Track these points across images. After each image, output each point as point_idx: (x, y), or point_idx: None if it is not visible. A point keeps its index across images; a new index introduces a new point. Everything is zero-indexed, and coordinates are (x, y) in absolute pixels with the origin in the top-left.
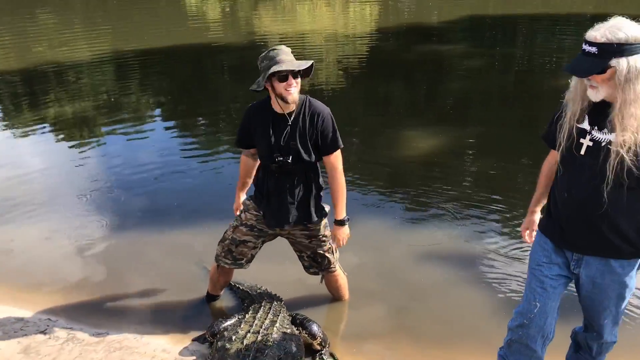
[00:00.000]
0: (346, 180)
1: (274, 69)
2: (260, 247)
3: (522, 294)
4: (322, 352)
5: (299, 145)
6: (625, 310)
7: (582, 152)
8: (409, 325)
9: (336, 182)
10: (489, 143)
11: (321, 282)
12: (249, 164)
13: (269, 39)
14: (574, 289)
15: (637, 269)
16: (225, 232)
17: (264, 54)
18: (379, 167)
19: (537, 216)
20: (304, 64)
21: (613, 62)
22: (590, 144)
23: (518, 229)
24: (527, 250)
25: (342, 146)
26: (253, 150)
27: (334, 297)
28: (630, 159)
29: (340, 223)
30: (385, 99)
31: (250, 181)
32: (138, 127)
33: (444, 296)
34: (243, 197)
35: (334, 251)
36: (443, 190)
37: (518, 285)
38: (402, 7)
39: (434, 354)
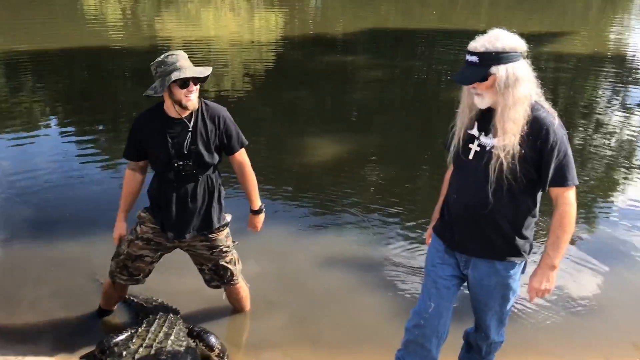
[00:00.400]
0: None
1: (176, 75)
2: (157, 261)
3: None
4: None
5: (202, 149)
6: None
7: (470, 156)
8: (310, 332)
9: (247, 176)
10: (390, 150)
11: (224, 297)
12: (136, 180)
13: (171, 43)
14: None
15: (520, 272)
16: (118, 247)
17: (160, 59)
18: (283, 174)
19: None
20: (206, 71)
21: (493, 69)
22: (478, 149)
23: (418, 231)
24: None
25: (247, 143)
26: (142, 163)
27: (235, 308)
28: (510, 162)
29: (258, 212)
30: (290, 106)
31: (134, 203)
32: (30, 132)
33: (345, 302)
34: (125, 223)
35: (237, 262)
36: (346, 196)
37: (418, 287)
38: (307, 17)
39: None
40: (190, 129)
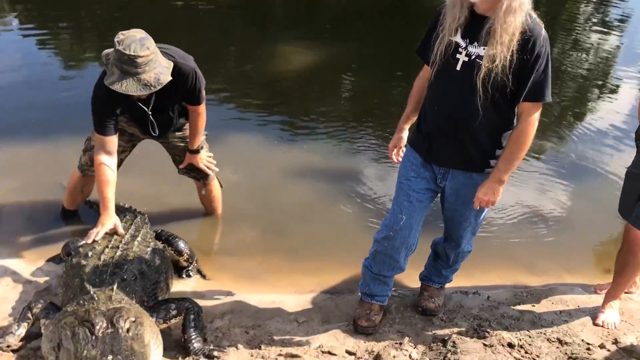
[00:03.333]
0: (224, 97)
1: (113, 84)
2: (130, 151)
3: (390, 209)
4: (189, 268)
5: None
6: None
7: (458, 67)
8: (281, 242)
9: (201, 123)
10: (366, 59)
11: (203, 192)
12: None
13: None
14: (437, 203)
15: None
16: (87, 140)
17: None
18: (257, 83)
19: (405, 133)
20: (151, 84)
21: None
22: (466, 59)
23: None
24: (397, 166)
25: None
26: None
27: (207, 210)
28: (499, 73)
29: (196, 152)
30: (264, 12)
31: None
32: None
33: (317, 214)
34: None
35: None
36: (319, 106)
37: (387, 200)
38: None
39: (304, 268)
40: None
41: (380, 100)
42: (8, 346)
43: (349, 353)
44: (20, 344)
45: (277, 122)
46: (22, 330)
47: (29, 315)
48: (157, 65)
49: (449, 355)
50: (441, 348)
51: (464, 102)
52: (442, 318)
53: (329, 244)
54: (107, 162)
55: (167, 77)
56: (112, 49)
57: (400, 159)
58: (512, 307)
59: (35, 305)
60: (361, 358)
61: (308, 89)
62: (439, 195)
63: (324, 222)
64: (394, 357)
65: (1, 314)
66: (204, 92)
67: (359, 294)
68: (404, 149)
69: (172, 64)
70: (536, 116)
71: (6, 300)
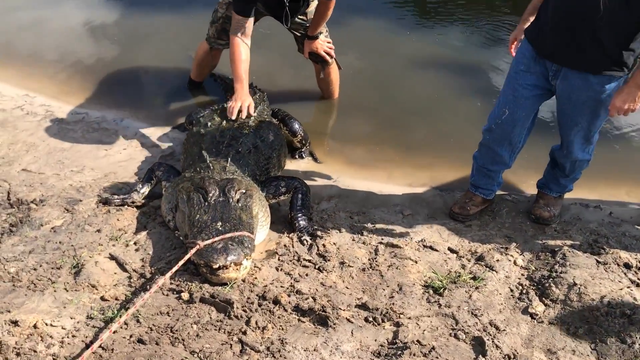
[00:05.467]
0: None
1: None
2: (254, 23)
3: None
4: (302, 150)
5: None
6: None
7: None
8: (396, 133)
9: (328, 15)
10: None
11: (321, 75)
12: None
13: None
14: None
15: (616, 88)
16: (214, 12)
17: None
18: None
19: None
20: None
21: None
22: None
23: None
24: None
25: None
26: None
27: (324, 94)
28: None
29: (315, 37)
30: None
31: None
32: None
33: (438, 109)
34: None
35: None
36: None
37: None
38: None
39: (417, 161)
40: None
41: None
42: (133, 202)
43: (451, 250)
44: (143, 201)
45: (410, 5)
46: (145, 189)
47: (153, 176)
48: None
49: (556, 266)
50: (549, 258)
51: None
52: (556, 229)
53: (446, 141)
54: (243, 42)
55: None
56: None
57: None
58: (636, 226)
59: (158, 167)
60: (463, 257)
61: None
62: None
63: (445, 117)
64: (498, 260)
65: (129, 172)
66: None
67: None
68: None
69: None
70: None
71: (134, 161)
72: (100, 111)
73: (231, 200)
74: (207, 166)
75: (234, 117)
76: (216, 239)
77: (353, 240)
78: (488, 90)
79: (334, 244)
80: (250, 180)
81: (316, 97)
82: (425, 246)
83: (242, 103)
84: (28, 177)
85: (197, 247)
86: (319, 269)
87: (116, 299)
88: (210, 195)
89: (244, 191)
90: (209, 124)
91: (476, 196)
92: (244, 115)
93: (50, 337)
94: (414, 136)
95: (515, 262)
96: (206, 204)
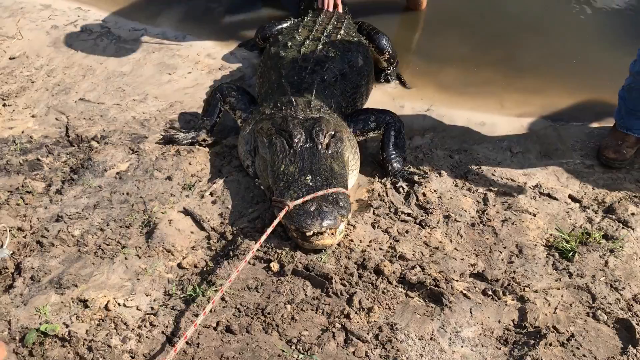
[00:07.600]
0: None
1: None
2: None
3: None
4: (389, 71)
5: None
6: None
7: None
8: (499, 53)
9: None
10: None
11: None
12: None
13: None
14: None
15: None
16: None
17: None
18: None
19: None
20: None
21: None
22: None
23: None
24: None
25: None
26: None
27: (409, 4)
28: None
29: None
30: None
31: None
32: None
33: (551, 25)
34: None
35: None
36: None
37: None
38: None
39: (525, 85)
40: None
41: None
42: (204, 140)
43: (573, 199)
44: (213, 138)
45: None
46: (214, 123)
47: (220, 106)
48: None
49: None
50: None
51: None
52: None
53: (560, 63)
54: None
55: None
56: None
57: None
58: None
59: (229, 92)
60: (588, 208)
61: None
62: None
63: (558, 36)
64: (633, 214)
65: (197, 101)
66: None
67: (614, 122)
68: None
69: None
70: None
71: (201, 87)
72: (159, 26)
73: (320, 146)
74: (289, 101)
75: (331, 9)
76: (307, 197)
77: (456, 186)
78: (615, 7)
79: (435, 191)
80: (338, 118)
81: (399, 7)
82: (542, 193)
83: None
84: (87, 108)
85: (286, 208)
86: (420, 224)
87: (195, 266)
88: (296, 140)
89: (332, 133)
90: (289, 43)
91: (629, 136)
92: (330, 7)
93: (125, 324)
94: (519, 56)
95: None
96: (291, 151)
